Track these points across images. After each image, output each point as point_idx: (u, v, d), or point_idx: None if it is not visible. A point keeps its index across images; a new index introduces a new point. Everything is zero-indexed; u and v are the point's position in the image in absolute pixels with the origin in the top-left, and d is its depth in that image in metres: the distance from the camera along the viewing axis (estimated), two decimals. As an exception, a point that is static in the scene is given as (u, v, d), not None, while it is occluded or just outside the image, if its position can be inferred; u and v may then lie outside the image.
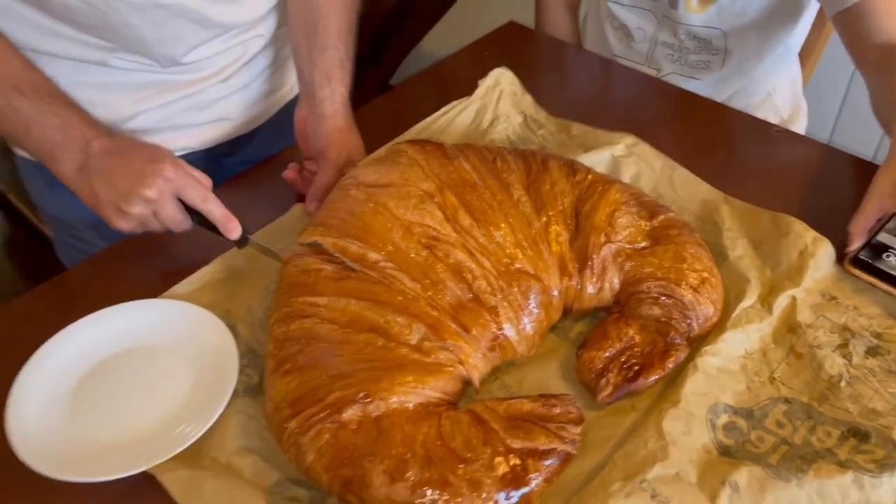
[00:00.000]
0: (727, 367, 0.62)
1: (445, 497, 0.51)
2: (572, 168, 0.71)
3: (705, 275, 0.65)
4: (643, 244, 0.67)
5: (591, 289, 0.66)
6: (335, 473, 0.53)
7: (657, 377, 0.61)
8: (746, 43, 1.06)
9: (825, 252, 0.70)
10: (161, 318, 0.66)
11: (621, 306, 0.66)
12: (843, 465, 0.55)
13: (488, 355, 0.61)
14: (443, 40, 1.15)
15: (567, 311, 0.67)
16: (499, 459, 0.53)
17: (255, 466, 0.56)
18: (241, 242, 0.72)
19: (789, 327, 0.66)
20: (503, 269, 0.63)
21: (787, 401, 0.61)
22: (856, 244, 0.70)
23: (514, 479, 0.53)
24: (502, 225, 0.64)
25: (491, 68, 0.92)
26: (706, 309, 0.64)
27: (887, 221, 0.70)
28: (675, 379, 0.62)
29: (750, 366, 0.63)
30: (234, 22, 0.83)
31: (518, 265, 0.63)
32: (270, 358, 0.60)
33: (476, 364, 0.60)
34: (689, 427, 0.58)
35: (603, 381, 0.60)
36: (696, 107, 0.95)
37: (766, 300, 0.67)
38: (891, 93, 0.79)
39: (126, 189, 0.68)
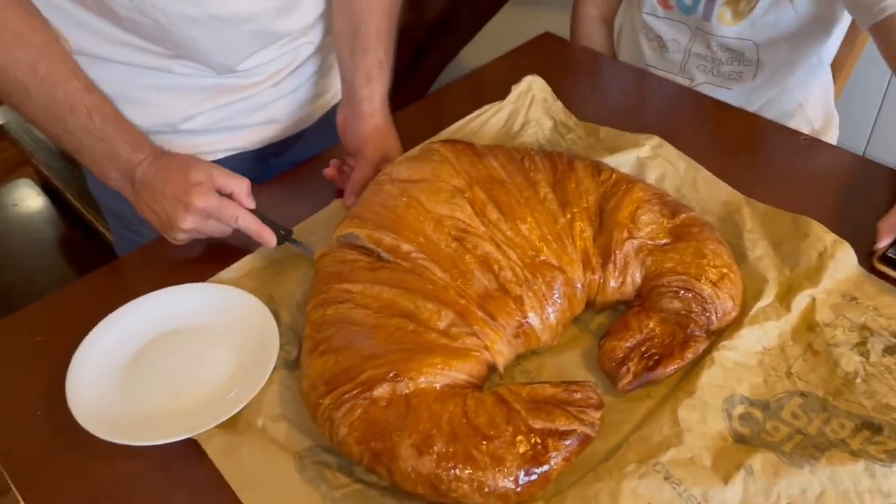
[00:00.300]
0: (744, 362, 0.64)
1: (469, 471, 0.54)
2: (597, 168, 0.74)
3: (725, 270, 0.67)
4: (665, 241, 0.69)
5: (613, 283, 0.68)
6: (366, 446, 0.56)
7: (676, 367, 0.63)
8: (779, 55, 1.08)
9: (845, 254, 0.71)
10: (208, 300, 0.70)
11: (642, 300, 0.68)
12: (856, 454, 0.57)
13: (513, 342, 0.64)
14: (480, 54, 1.19)
15: (590, 304, 0.70)
16: (520, 438, 0.56)
17: (288, 432, 0.60)
18: (289, 241, 0.76)
19: (808, 326, 0.67)
20: (529, 260, 0.66)
21: (802, 394, 0.63)
22: (884, 241, 0.72)
23: (535, 457, 0.55)
24: (528, 219, 0.68)
25: (525, 76, 0.95)
26: (725, 303, 0.66)
27: None
28: (691, 371, 0.64)
29: (767, 361, 0.65)
30: (287, 31, 0.87)
31: (543, 257, 0.66)
32: (307, 339, 0.64)
33: (501, 350, 0.64)
34: (704, 416, 0.60)
35: (623, 369, 0.63)
36: (725, 114, 0.97)
37: (785, 299, 0.68)
38: None
39: (167, 220, 0.74)
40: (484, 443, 0.55)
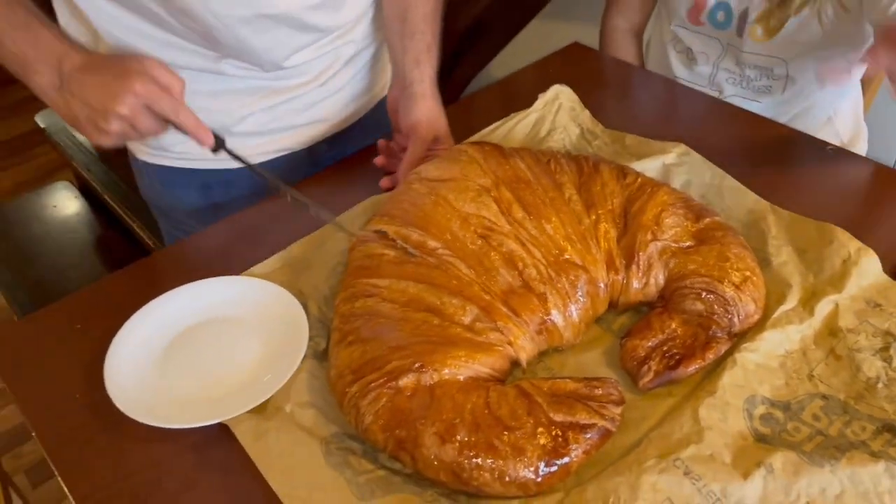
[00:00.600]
0: (766, 364, 0.65)
1: (490, 460, 0.56)
2: (623, 172, 0.75)
3: (748, 273, 0.68)
4: (688, 243, 0.70)
5: (636, 284, 0.69)
6: (390, 434, 0.58)
7: (697, 367, 0.64)
8: (808, 71, 1.09)
9: (870, 261, 0.71)
10: (241, 292, 0.73)
11: (665, 301, 0.69)
12: (876, 456, 0.57)
13: (536, 339, 0.66)
14: (510, 64, 1.21)
15: (613, 305, 0.71)
16: (541, 430, 0.57)
17: (315, 419, 0.62)
18: (222, 149, 0.76)
19: (831, 330, 0.68)
20: (553, 259, 0.67)
21: (824, 397, 0.63)
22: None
23: (555, 449, 0.56)
24: (553, 219, 0.69)
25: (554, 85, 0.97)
26: (748, 306, 0.67)
27: None
28: (713, 371, 0.65)
29: (789, 364, 0.65)
30: (331, 26, 0.90)
31: (567, 256, 0.68)
32: (336, 331, 0.66)
33: (524, 346, 0.65)
34: (725, 415, 0.61)
35: (645, 367, 0.64)
36: (752, 124, 0.97)
37: (808, 304, 0.69)
38: None
39: (100, 108, 0.70)
40: (505, 433, 0.57)
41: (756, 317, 0.67)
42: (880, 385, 0.63)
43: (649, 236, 0.70)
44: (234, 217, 0.87)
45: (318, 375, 0.65)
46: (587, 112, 0.95)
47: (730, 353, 0.65)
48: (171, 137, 0.90)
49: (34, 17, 0.75)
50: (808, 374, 0.65)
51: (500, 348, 0.64)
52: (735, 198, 0.81)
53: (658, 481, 0.56)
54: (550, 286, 0.66)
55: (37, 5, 0.79)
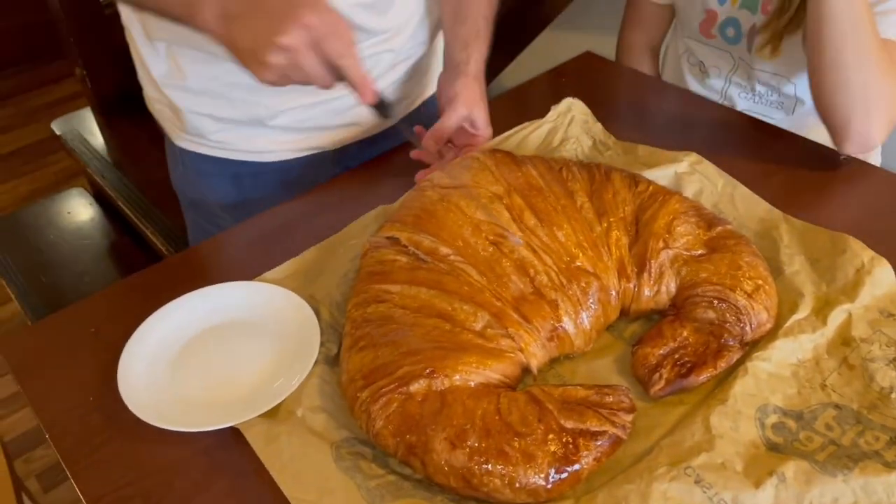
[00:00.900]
0: (778, 373, 0.65)
1: (500, 466, 0.56)
2: (634, 180, 0.75)
3: (760, 282, 0.68)
4: (700, 252, 0.70)
5: (647, 292, 0.69)
6: (401, 439, 0.58)
7: (708, 375, 0.64)
8: None
9: (883, 270, 0.71)
10: (253, 297, 0.73)
11: (677, 309, 0.69)
12: (890, 466, 0.57)
13: (547, 345, 0.66)
14: (521, 73, 1.21)
15: (624, 312, 0.71)
16: (552, 436, 0.57)
17: (326, 423, 0.62)
18: (382, 109, 0.71)
19: (843, 340, 0.67)
20: (564, 266, 0.67)
21: (836, 406, 0.63)
22: None
23: (565, 456, 0.56)
24: (565, 226, 0.69)
25: (567, 94, 0.97)
26: (760, 315, 0.66)
27: None
28: (724, 380, 0.64)
29: (802, 373, 0.65)
30: (376, 29, 0.90)
31: (578, 264, 0.68)
32: (347, 336, 0.66)
33: (535, 352, 0.65)
34: (736, 424, 0.60)
35: (656, 375, 0.64)
36: (764, 133, 0.98)
37: (821, 313, 0.69)
38: None
39: (263, 36, 0.65)
40: (516, 439, 0.57)
41: (768, 325, 0.67)
42: (894, 395, 0.63)
43: (661, 244, 0.70)
44: (248, 223, 0.88)
45: (329, 381, 0.65)
46: (599, 125, 0.96)
47: (741, 361, 0.65)
48: (211, 125, 0.92)
49: None
50: (821, 384, 0.64)
51: (512, 355, 0.64)
52: (747, 206, 0.81)
53: (669, 489, 0.55)
54: (562, 293, 0.66)
55: None
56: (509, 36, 1.69)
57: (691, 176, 0.83)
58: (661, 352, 0.65)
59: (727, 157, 0.88)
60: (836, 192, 0.87)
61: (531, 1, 1.69)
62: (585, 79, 1.10)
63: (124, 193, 1.77)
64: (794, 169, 0.89)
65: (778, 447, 0.59)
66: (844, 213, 0.83)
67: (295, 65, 0.66)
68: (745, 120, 1.02)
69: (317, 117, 0.94)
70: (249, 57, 0.67)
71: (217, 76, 0.88)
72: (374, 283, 0.69)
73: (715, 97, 1.17)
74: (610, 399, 0.61)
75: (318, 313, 0.71)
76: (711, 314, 0.67)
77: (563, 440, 0.57)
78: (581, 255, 0.68)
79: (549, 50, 1.49)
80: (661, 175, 0.83)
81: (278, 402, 0.63)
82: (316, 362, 0.66)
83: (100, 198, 1.91)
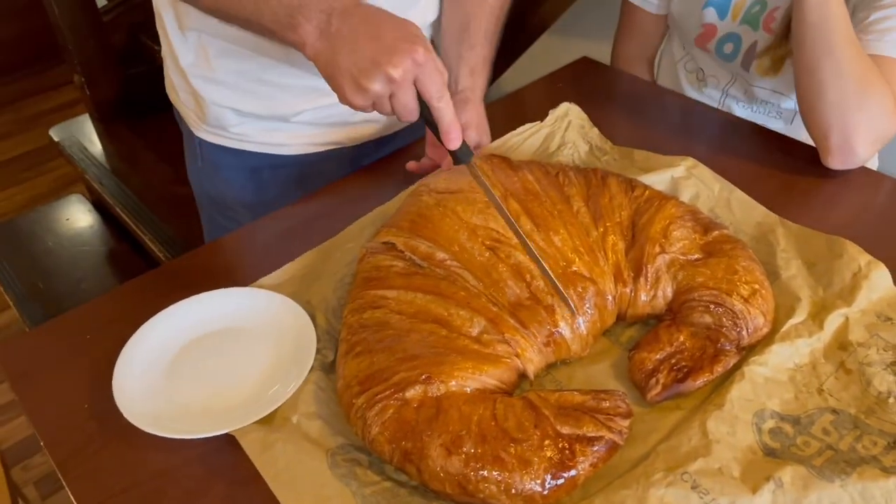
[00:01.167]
0: (775, 378, 0.64)
1: (496, 472, 0.55)
2: (631, 185, 0.75)
3: (756, 287, 0.67)
4: (696, 256, 0.70)
5: (644, 296, 0.69)
6: (397, 445, 0.58)
7: (705, 380, 0.64)
8: None
9: (880, 274, 0.71)
10: (249, 303, 0.73)
11: (674, 314, 0.69)
12: (888, 471, 0.56)
13: (544, 351, 0.66)
14: (518, 79, 1.22)
15: (621, 317, 0.70)
16: (548, 442, 0.57)
17: (322, 430, 0.62)
18: (461, 157, 0.69)
19: (840, 344, 0.67)
20: (560, 271, 0.67)
21: (834, 411, 0.62)
22: None
23: (562, 462, 0.56)
24: (561, 231, 0.69)
25: (563, 99, 0.97)
26: (756, 319, 0.66)
27: None
28: (721, 384, 0.64)
29: (798, 377, 0.65)
30: None
31: (575, 268, 0.68)
32: (343, 342, 0.66)
33: (531, 358, 0.65)
34: (733, 428, 0.60)
35: (653, 380, 0.64)
36: (761, 138, 0.98)
37: (818, 317, 0.68)
38: None
39: (370, 62, 0.64)
40: (512, 445, 0.56)
41: (765, 330, 0.67)
42: (891, 400, 0.62)
43: (657, 249, 0.70)
44: (243, 230, 0.88)
45: (325, 387, 0.65)
46: (596, 129, 0.96)
47: (738, 366, 0.65)
48: (233, 118, 0.92)
49: None
50: (818, 388, 0.64)
51: (508, 360, 0.64)
52: (744, 211, 0.81)
53: (665, 495, 0.55)
54: (558, 299, 0.66)
55: None
56: (507, 41, 1.69)
57: (688, 180, 0.83)
58: (658, 356, 0.65)
59: (724, 161, 0.88)
60: (833, 196, 0.86)
61: (529, 6, 1.70)
62: (582, 84, 1.10)
63: (122, 200, 1.77)
64: (790, 173, 0.89)
65: (775, 452, 0.59)
66: (841, 217, 0.82)
67: (393, 96, 0.66)
68: (742, 124, 1.02)
69: (336, 115, 0.94)
70: (347, 78, 0.66)
71: (245, 71, 0.88)
72: (371, 289, 0.69)
73: (712, 105, 1.17)
74: (606, 404, 0.61)
75: (314, 319, 0.71)
76: (708, 319, 0.67)
77: (560, 446, 0.57)
78: (577, 259, 0.68)
79: (546, 55, 1.49)
80: (657, 180, 0.82)
81: (274, 408, 0.63)
82: (312, 369, 0.65)
83: (98, 204, 1.91)
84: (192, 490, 0.60)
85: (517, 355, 0.64)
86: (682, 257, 0.70)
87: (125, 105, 2.08)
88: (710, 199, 0.82)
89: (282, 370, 0.66)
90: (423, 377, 0.60)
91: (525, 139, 0.94)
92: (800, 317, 0.68)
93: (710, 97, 1.16)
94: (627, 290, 0.69)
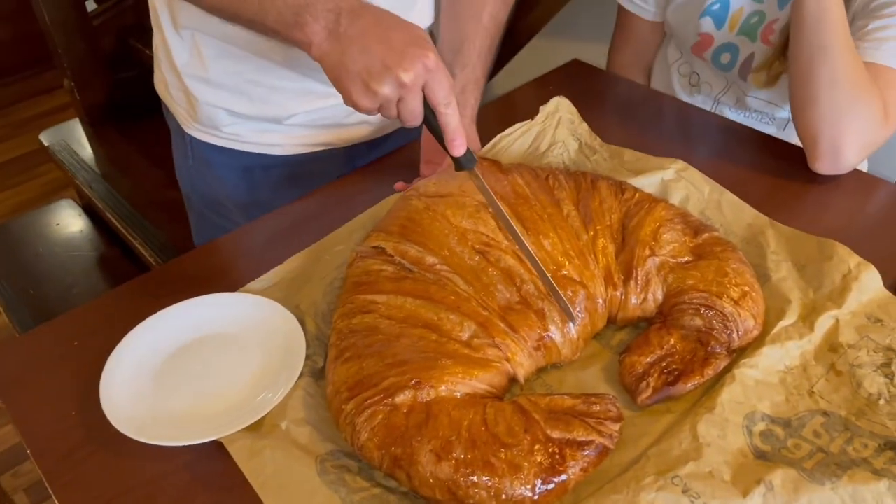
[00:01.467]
0: (766, 380, 0.64)
1: (486, 477, 0.55)
2: (621, 188, 0.75)
3: (746, 289, 0.67)
4: (686, 259, 0.70)
5: (634, 299, 0.69)
6: (386, 451, 0.57)
7: (696, 383, 0.64)
8: None
9: (870, 276, 0.71)
10: (237, 309, 0.72)
11: (664, 317, 0.69)
12: (878, 474, 0.56)
13: (534, 355, 0.65)
14: (510, 82, 1.21)
15: (611, 320, 0.70)
16: (538, 447, 0.56)
17: (311, 436, 0.61)
18: (464, 164, 0.68)
19: (831, 346, 0.67)
20: (551, 275, 0.67)
21: (825, 413, 0.62)
22: None
23: (552, 466, 0.56)
24: (551, 235, 0.69)
25: (554, 103, 0.97)
26: (747, 322, 0.66)
27: None
28: (712, 387, 0.64)
29: (789, 380, 0.65)
30: None
31: (565, 272, 0.67)
32: (333, 347, 0.65)
33: (522, 362, 0.64)
34: (724, 432, 0.60)
35: (643, 384, 0.63)
36: (751, 140, 0.98)
37: (808, 319, 0.68)
38: None
39: (380, 66, 0.64)
40: (502, 450, 0.56)
41: (755, 332, 0.67)
42: (882, 402, 0.62)
43: (647, 252, 0.70)
44: (233, 233, 0.88)
45: (313, 393, 0.65)
46: (585, 124, 0.96)
47: (729, 368, 0.65)
48: (225, 118, 0.92)
49: None
50: (809, 391, 0.64)
51: (498, 364, 0.63)
52: (734, 213, 0.81)
53: (656, 499, 0.55)
54: (548, 302, 0.66)
55: None
56: (500, 43, 1.69)
57: (678, 183, 0.83)
58: (649, 360, 0.65)
59: (714, 163, 0.88)
60: (823, 198, 0.87)
61: (520, 10, 1.70)
62: (573, 86, 1.10)
63: (113, 204, 1.76)
64: (781, 175, 0.89)
65: (766, 455, 0.59)
66: (831, 219, 0.83)
67: (401, 100, 0.66)
68: (734, 127, 1.02)
69: (329, 117, 0.94)
70: (356, 80, 0.65)
71: (240, 72, 0.88)
72: (360, 294, 0.68)
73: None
74: (597, 408, 0.61)
75: (303, 325, 0.70)
76: (698, 321, 0.67)
77: (550, 450, 0.56)
78: (568, 263, 0.68)
79: (537, 58, 1.49)
80: (647, 182, 0.82)
81: (262, 415, 0.62)
82: (301, 374, 0.65)
83: (89, 209, 1.90)
84: (180, 498, 0.60)
85: (507, 359, 0.64)
86: (672, 260, 0.70)
87: (115, 109, 2.07)
88: (701, 201, 0.82)
89: (271, 376, 0.66)
90: (413, 382, 0.60)
91: (515, 139, 0.93)
92: (790, 319, 0.68)
93: (700, 104, 1.15)
94: (618, 293, 0.69)
